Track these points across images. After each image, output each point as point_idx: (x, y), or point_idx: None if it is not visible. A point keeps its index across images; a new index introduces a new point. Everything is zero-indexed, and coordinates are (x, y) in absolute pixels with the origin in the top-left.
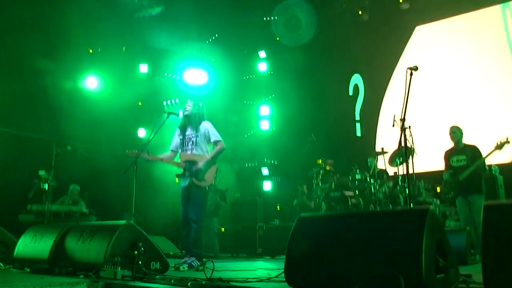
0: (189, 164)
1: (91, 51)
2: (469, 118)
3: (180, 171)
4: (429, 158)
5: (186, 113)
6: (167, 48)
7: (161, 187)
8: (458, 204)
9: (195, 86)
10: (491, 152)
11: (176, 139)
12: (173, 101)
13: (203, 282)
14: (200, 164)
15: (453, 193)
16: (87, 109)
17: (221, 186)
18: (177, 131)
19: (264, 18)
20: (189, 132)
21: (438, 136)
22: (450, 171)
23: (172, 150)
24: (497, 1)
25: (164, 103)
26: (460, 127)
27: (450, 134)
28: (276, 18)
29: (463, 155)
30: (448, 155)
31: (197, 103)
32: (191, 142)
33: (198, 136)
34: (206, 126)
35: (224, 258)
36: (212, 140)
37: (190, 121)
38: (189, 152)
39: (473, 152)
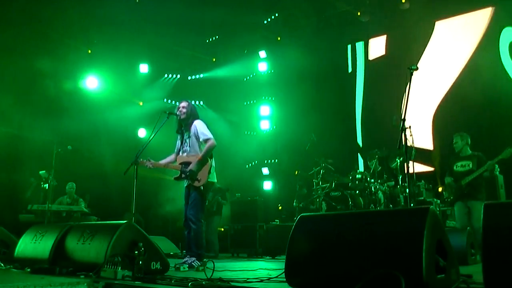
0: (184, 166)
1: (89, 51)
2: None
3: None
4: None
5: (182, 116)
6: (167, 48)
7: (161, 187)
8: (456, 209)
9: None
10: (499, 158)
11: (177, 141)
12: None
13: (204, 282)
14: (192, 165)
15: (453, 198)
16: (87, 109)
17: (222, 186)
18: (178, 135)
19: (265, 21)
20: (185, 133)
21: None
22: (451, 178)
23: (175, 152)
24: None
25: (164, 100)
26: (465, 134)
27: (453, 144)
28: (276, 18)
29: (468, 161)
30: (452, 161)
31: (191, 104)
32: (186, 144)
33: (190, 137)
34: (196, 125)
35: (224, 258)
36: (201, 139)
37: (185, 123)
38: (184, 154)
39: (479, 160)
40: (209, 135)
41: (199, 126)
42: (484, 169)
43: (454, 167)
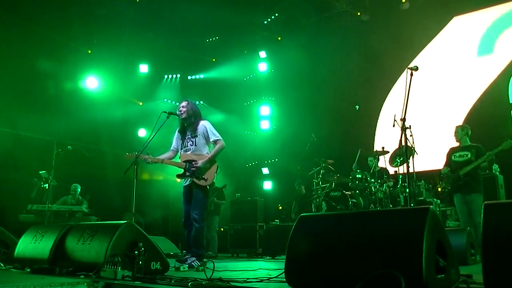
0: (189, 164)
1: (89, 51)
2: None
3: (180, 171)
4: (430, 158)
5: (183, 115)
6: (167, 48)
7: (161, 187)
8: (456, 201)
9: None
10: (499, 149)
11: (176, 139)
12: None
13: (204, 282)
14: (200, 163)
15: (450, 188)
16: (87, 109)
17: (217, 184)
18: (177, 134)
19: (265, 22)
20: (188, 132)
21: (439, 136)
22: (448, 168)
23: (172, 150)
24: None
25: (164, 100)
26: (466, 126)
27: (454, 133)
28: (276, 18)
29: (467, 152)
30: (451, 151)
31: (192, 103)
32: (190, 142)
33: (197, 136)
34: (204, 125)
35: (224, 258)
36: (211, 140)
37: (188, 122)
38: (189, 152)
39: (477, 150)
40: (219, 136)
41: (208, 126)
42: (483, 160)
43: (452, 157)
